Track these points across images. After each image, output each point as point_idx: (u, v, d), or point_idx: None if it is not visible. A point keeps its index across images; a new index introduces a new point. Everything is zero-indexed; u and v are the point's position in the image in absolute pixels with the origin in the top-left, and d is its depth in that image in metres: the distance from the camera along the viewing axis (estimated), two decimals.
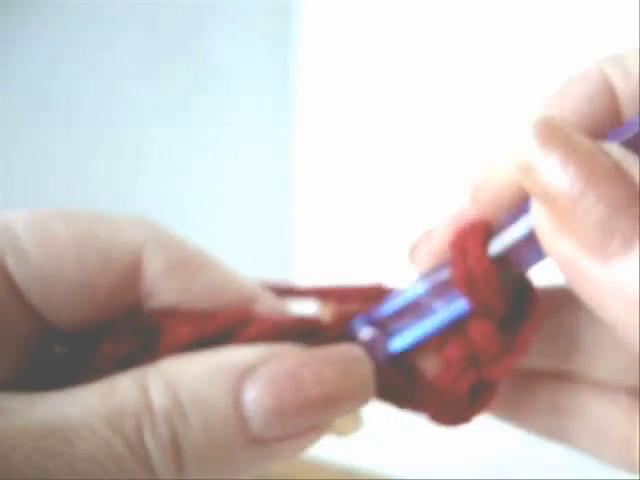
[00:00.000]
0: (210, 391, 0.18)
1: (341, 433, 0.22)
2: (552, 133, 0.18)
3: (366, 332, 0.24)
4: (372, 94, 0.84)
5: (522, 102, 0.64)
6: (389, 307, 0.25)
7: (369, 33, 0.83)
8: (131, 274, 0.20)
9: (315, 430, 0.20)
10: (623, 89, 0.20)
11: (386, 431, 0.64)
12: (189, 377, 0.18)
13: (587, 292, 0.18)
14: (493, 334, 0.24)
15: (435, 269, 0.24)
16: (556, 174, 0.17)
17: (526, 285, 0.24)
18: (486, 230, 0.23)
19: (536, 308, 0.24)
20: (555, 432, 0.26)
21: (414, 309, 0.24)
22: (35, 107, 0.82)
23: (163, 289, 0.21)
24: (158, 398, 0.18)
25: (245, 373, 0.19)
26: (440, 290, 0.23)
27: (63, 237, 0.19)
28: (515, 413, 0.27)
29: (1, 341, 0.19)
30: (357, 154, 0.87)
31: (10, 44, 0.80)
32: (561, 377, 0.26)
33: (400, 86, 0.80)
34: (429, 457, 0.67)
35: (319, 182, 0.95)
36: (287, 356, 0.20)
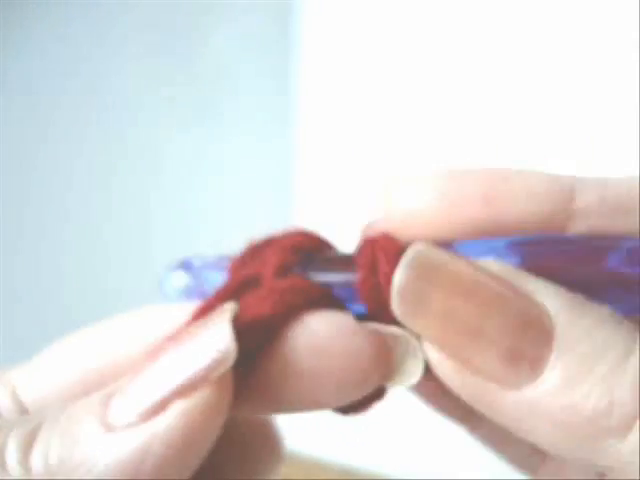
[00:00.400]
0: (74, 416, 0.18)
1: (403, 382, 0.19)
2: (430, 271, 0.17)
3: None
4: (372, 95, 0.84)
5: (522, 103, 0.65)
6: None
7: (370, 35, 0.84)
8: None
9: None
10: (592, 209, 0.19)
11: (386, 431, 0.64)
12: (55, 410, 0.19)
13: (507, 419, 0.18)
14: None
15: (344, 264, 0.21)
16: (444, 318, 0.17)
17: None
18: (398, 249, 0.19)
19: None
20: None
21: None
22: (35, 107, 0.82)
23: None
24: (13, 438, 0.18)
25: (110, 394, 0.19)
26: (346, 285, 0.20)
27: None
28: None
29: None
30: (357, 155, 0.88)
31: (11, 44, 0.80)
32: None
33: (400, 87, 0.80)
34: (429, 457, 0.67)
35: (319, 183, 0.95)
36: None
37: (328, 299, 0.20)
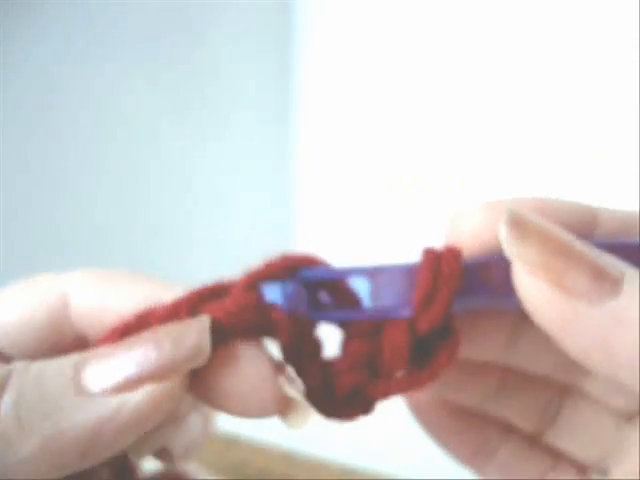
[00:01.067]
0: (50, 365, 0.21)
1: (291, 425, 0.23)
2: (526, 219, 0.22)
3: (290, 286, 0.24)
4: (372, 96, 0.84)
5: (522, 103, 0.64)
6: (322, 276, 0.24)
7: (370, 37, 0.84)
8: (62, 307, 0.24)
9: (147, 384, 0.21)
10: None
11: (386, 431, 0.64)
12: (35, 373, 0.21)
13: (588, 336, 0.21)
14: (404, 349, 0.23)
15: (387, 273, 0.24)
16: (545, 239, 0.21)
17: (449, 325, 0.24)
18: (460, 262, 0.23)
19: (449, 353, 0.24)
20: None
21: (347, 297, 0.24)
22: (36, 108, 0.82)
23: (85, 312, 0.24)
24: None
25: (82, 358, 0.21)
26: (384, 293, 0.24)
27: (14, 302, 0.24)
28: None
29: None
30: (357, 156, 0.87)
31: (11, 46, 0.80)
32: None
33: (400, 88, 0.80)
34: (429, 457, 0.67)
35: (320, 183, 0.95)
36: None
37: (269, 321, 0.23)
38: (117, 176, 0.89)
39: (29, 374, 0.20)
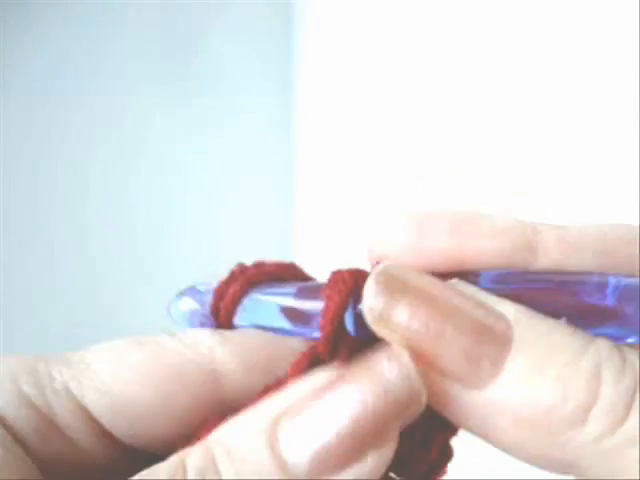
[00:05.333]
0: (243, 438, 0.18)
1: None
2: (394, 283, 0.19)
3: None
4: (373, 99, 0.84)
5: (522, 103, 0.65)
6: None
7: (372, 38, 0.84)
8: (210, 385, 0.21)
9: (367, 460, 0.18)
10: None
11: None
12: (224, 434, 0.19)
13: (471, 420, 0.19)
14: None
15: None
16: (409, 322, 0.18)
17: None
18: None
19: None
20: None
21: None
22: (36, 109, 0.82)
23: (245, 391, 0.21)
24: (192, 459, 0.18)
25: (279, 417, 0.18)
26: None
27: (137, 363, 0.20)
28: None
29: (80, 472, 0.20)
30: (357, 157, 0.88)
31: (12, 47, 0.80)
32: None
33: (401, 90, 0.80)
34: None
35: (320, 184, 0.95)
36: (318, 385, 0.19)
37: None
38: (117, 176, 0.89)
39: (227, 473, 0.18)
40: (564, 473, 0.19)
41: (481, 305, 0.19)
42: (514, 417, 0.18)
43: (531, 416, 0.18)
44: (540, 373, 0.18)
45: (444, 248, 0.20)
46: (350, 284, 0.20)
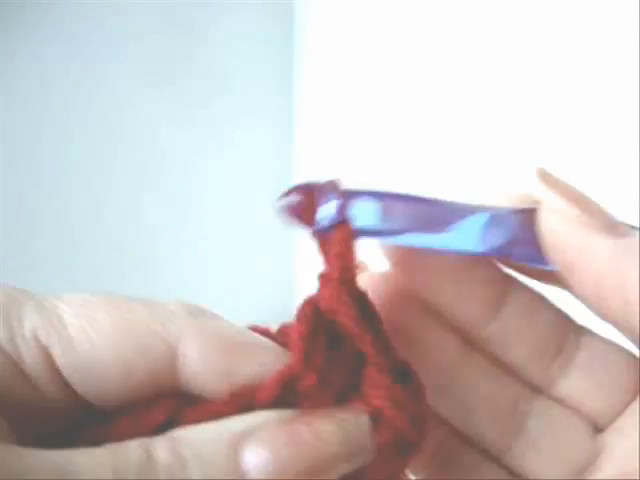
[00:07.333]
0: (211, 447, 0.20)
1: None
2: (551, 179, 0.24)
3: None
4: (374, 98, 0.84)
5: (522, 103, 0.65)
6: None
7: (373, 38, 0.84)
8: (169, 364, 0.21)
9: None
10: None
11: None
12: (193, 437, 0.20)
13: (598, 263, 0.22)
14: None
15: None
16: (569, 199, 0.23)
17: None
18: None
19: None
20: None
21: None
22: (37, 112, 0.82)
23: (202, 378, 0.22)
24: (161, 453, 0.19)
25: (245, 434, 0.20)
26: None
27: (106, 327, 0.21)
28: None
29: (40, 417, 0.21)
30: (358, 158, 0.88)
31: (13, 50, 0.80)
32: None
33: (401, 90, 0.80)
34: None
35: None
36: (286, 417, 0.21)
37: None
38: (116, 176, 0.89)
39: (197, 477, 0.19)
40: None
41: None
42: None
43: None
44: None
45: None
46: (312, 309, 0.22)
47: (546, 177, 0.24)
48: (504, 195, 0.25)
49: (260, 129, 0.98)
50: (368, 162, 0.85)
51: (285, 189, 0.24)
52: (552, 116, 0.62)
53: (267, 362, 0.22)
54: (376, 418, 0.21)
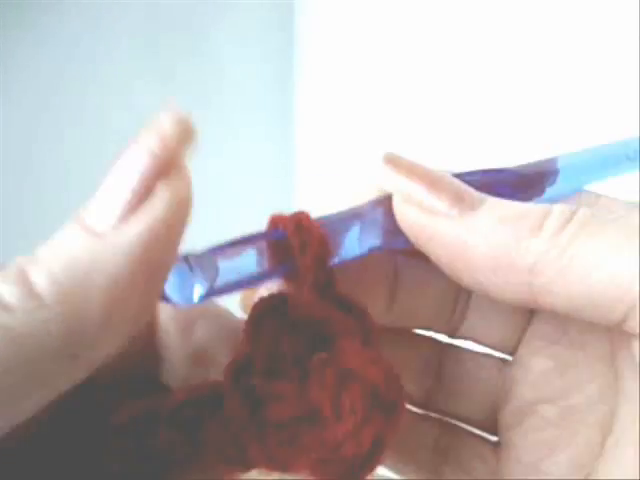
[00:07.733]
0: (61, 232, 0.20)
1: None
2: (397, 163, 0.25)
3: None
4: (374, 97, 0.84)
5: (521, 103, 0.65)
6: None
7: (373, 38, 0.84)
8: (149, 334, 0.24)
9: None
10: None
11: None
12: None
13: (447, 247, 0.23)
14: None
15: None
16: (412, 182, 0.24)
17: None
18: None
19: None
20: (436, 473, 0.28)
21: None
22: (37, 112, 0.82)
23: (169, 338, 0.24)
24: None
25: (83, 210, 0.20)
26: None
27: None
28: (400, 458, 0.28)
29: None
30: (358, 157, 0.88)
31: (14, 50, 0.80)
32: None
33: (401, 89, 0.80)
34: None
35: (321, 184, 0.95)
36: None
37: None
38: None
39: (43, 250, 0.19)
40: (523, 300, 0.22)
41: (461, 183, 0.24)
42: (486, 238, 0.22)
43: (498, 231, 0.22)
44: (506, 219, 0.22)
45: None
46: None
47: (393, 160, 0.25)
48: (364, 191, 0.27)
49: (260, 129, 0.98)
50: (368, 161, 0.85)
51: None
52: (552, 116, 0.62)
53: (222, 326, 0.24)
54: (350, 377, 0.21)
